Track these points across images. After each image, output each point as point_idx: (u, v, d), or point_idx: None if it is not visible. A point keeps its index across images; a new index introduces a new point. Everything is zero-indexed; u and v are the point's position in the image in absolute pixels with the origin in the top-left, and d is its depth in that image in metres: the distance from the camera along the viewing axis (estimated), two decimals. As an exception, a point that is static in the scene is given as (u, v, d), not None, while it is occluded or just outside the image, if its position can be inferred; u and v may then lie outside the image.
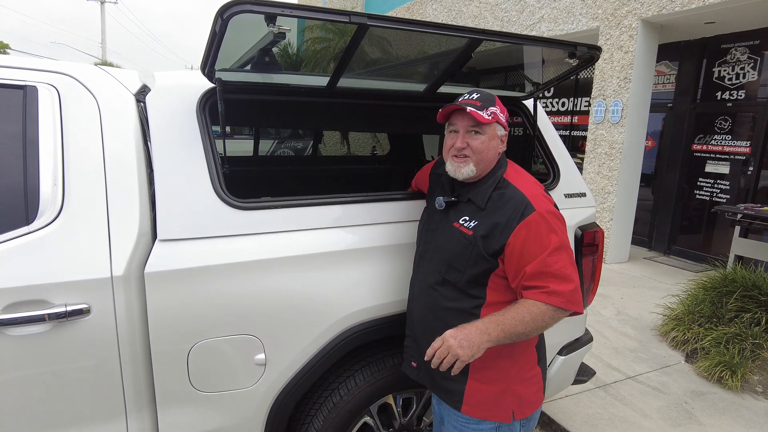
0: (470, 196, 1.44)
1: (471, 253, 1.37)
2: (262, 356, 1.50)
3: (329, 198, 1.62)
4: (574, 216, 1.99)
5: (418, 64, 1.99)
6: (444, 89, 1.97)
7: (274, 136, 6.01)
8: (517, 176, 1.44)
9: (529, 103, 2.13)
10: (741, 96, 5.61)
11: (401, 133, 3.23)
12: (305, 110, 2.01)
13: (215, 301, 1.43)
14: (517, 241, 1.32)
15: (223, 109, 1.54)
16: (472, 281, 1.39)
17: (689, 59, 6.11)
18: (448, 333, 1.30)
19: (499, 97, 1.72)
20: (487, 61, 2.27)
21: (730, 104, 5.71)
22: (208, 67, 1.48)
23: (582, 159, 6.33)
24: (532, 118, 2.06)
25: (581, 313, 1.34)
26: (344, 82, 1.75)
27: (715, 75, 5.86)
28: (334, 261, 1.57)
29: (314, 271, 1.54)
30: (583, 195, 2.10)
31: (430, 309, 1.47)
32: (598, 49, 1.80)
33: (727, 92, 5.74)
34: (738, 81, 5.62)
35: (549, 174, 2.07)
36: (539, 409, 1.50)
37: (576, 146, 7.26)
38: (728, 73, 5.72)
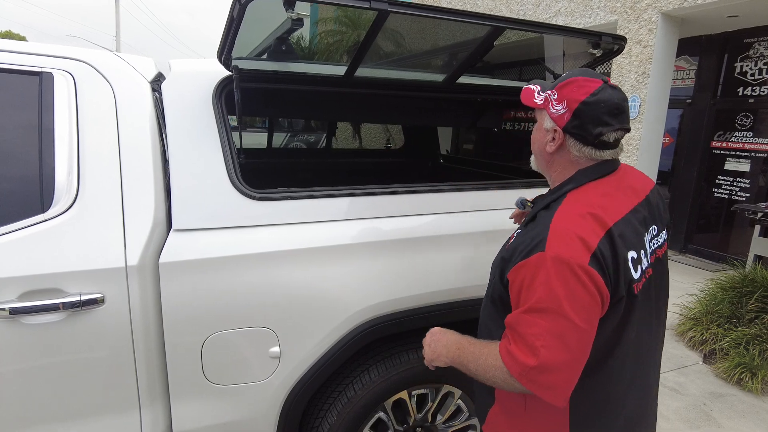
0: (535, 204, 1.21)
1: (497, 269, 1.18)
2: (276, 349, 1.48)
3: (345, 189, 1.59)
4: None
5: (437, 54, 1.95)
6: (464, 80, 1.92)
7: (287, 129, 5.98)
8: (580, 199, 1.07)
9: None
10: (764, 92, 5.47)
11: (419, 125, 3.18)
12: (322, 100, 1.98)
13: (230, 292, 1.41)
14: (515, 280, 1.04)
15: (239, 97, 1.51)
16: (495, 302, 1.18)
17: (710, 54, 5.97)
18: (435, 329, 1.27)
19: (517, 89, 1.65)
20: (503, 55, 2.22)
21: (752, 100, 5.57)
22: (225, 54, 1.45)
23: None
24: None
25: (554, 403, 0.99)
26: (362, 72, 1.71)
27: (737, 70, 5.72)
28: (351, 254, 1.54)
29: (330, 263, 1.51)
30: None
31: (482, 312, 1.31)
32: (623, 40, 1.74)
33: (749, 88, 5.60)
34: (761, 76, 5.48)
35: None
36: None
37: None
38: (751, 69, 5.58)
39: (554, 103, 1.10)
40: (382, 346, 1.71)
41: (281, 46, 1.80)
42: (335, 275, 1.52)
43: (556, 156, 1.15)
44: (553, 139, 1.12)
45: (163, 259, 1.35)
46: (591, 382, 1.06)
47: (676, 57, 5.77)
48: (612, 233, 1.00)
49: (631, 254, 1.02)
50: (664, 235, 1.18)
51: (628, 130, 1.11)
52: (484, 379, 1.08)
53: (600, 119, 1.06)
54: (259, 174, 2.82)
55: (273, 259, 1.45)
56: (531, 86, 1.16)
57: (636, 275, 1.03)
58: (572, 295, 0.94)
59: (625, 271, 1.00)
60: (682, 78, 6.34)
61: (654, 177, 5.87)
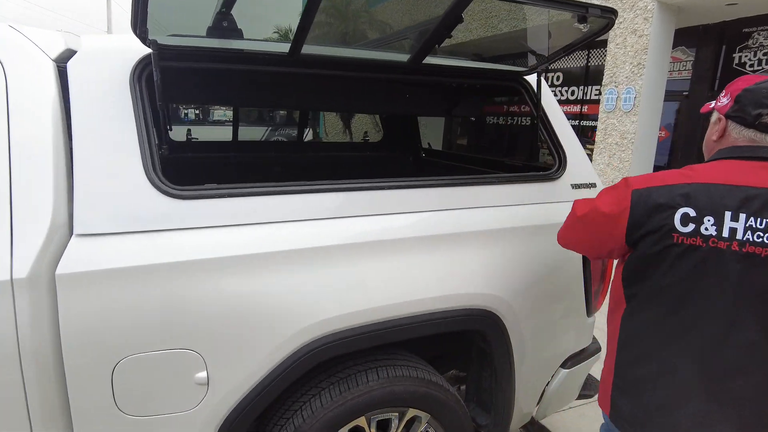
0: None
1: None
2: (203, 374, 1.25)
3: (287, 186, 1.36)
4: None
5: (401, 30, 1.72)
6: (435, 61, 1.70)
7: (269, 123, 5.75)
8: (695, 168, 1.19)
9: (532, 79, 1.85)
10: (763, 83, 5.27)
11: (382, 112, 2.94)
12: (264, 82, 1.74)
13: (145, 308, 1.19)
14: None
15: (159, 78, 1.28)
16: None
17: (708, 44, 5.77)
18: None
19: (495, 71, 1.46)
20: (494, 48, 2.00)
21: (751, 92, 5.37)
22: (140, 25, 1.22)
23: (592, 149, 6.03)
24: (535, 96, 1.78)
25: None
26: (312, 50, 1.48)
27: (736, 61, 5.52)
28: (293, 261, 1.31)
29: (268, 273, 1.29)
30: (593, 185, 1.83)
31: None
32: (613, 13, 1.53)
33: (748, 79, 5.40)
34: (760, 67, 5.28)
35: (554, 161, 1.80)
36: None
37: (586, 136, 6.95)
38: (750, 59, 5.38)
39: (721, 97, 1.21)
40: (336, 366, 1.49)
41: (222, 21, 1.56)
42: (276, 286, 1.30)
43: (718, 144, 1.22)
44: (717, 128, 1.21)
45: (60, 269, 1.13)
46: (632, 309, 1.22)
47: (673, 48, 5.56)
48: (672, 188, 1.12)
49: (685, 210, 1.09)
50: None
51: None
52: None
53: (761, 102, 1.10)
54: (222, 170, 2.59)
55: (198, 268, 1.23)
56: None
57: (683, 229, 1.09)
58: (618, 193, 1.20)
59: (665, 216, 1.10)
60: (679, 69, 6.13)
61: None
